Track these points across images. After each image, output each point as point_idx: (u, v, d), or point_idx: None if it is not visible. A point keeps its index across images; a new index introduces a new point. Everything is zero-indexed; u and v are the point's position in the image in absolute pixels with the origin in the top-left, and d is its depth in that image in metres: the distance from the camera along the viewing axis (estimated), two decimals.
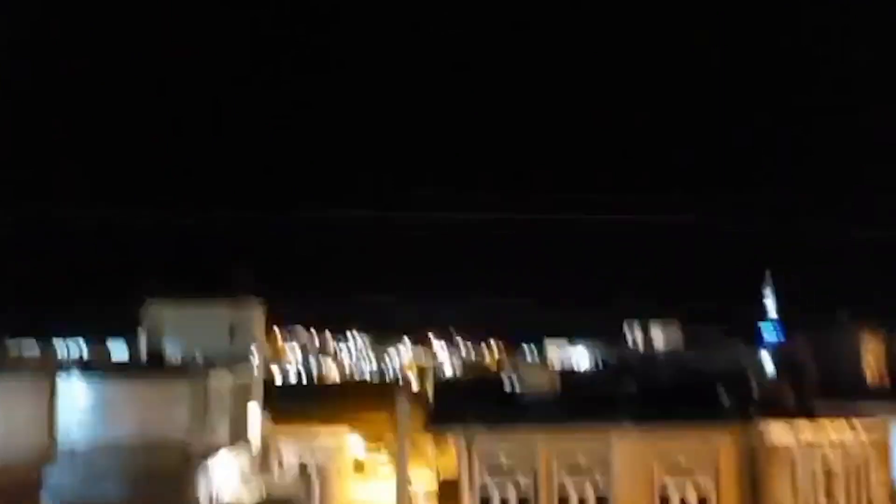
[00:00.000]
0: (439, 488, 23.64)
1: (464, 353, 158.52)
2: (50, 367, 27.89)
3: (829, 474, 17.98)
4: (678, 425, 18.49)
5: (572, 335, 72.55)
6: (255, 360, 38.29)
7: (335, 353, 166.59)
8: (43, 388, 26.39)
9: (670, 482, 18.27)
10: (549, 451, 18.31)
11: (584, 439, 18.38)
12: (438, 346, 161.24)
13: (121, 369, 32.01)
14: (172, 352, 35.19)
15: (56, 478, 25.06)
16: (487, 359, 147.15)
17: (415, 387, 74.29)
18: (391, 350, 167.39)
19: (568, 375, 28.65)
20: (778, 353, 33.88)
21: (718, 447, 18.34)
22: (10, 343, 47.34)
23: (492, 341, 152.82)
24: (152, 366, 33.24)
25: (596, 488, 18.31)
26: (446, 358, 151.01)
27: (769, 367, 37.26)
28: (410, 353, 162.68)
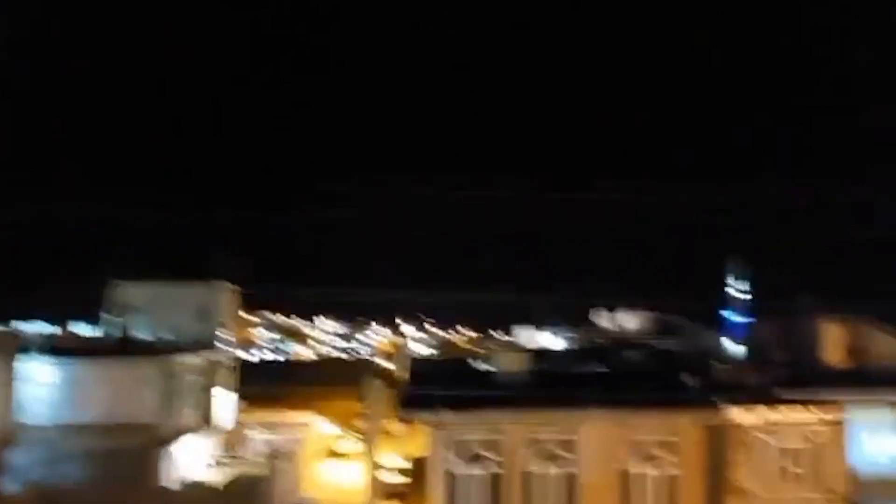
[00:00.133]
0: (409, 466, 23.83)
1: (434, 338, 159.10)
2: (10, 348, 27.41)
3: (788, 454, 18.44)
4: (644, 408, 18.79)
5: (541, 322, 73.09)
6: (225, 342, 38.00)
7: (306, 337, 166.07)
8: (3, 368, 25.99)
9: (636, 463, 18.59)
10: (518, 432, 18.50)
11: (552, 421, 18.61)
12: (409, 331, 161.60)
13: (86, 350, 31.56)
14: (139, 334, 34.81)
15: (19, 459, 24.76)
16: (458, 342, 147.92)
17: (385, 366, 74.35)
18: (361, 336, 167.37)
19: (537, 356, 28.92)
20: (741, 339, 34.53)
21: (682, 429, 18.71)
22: None
23: (461, 328, 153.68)
24: (118, 346, 32.86)
25: (563, 467, 18.55)
26: (417, 342, 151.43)
27: (732, 352, 38.01)
28: (381, 337, 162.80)
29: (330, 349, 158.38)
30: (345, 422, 48.11)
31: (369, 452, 13.94)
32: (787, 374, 24.64)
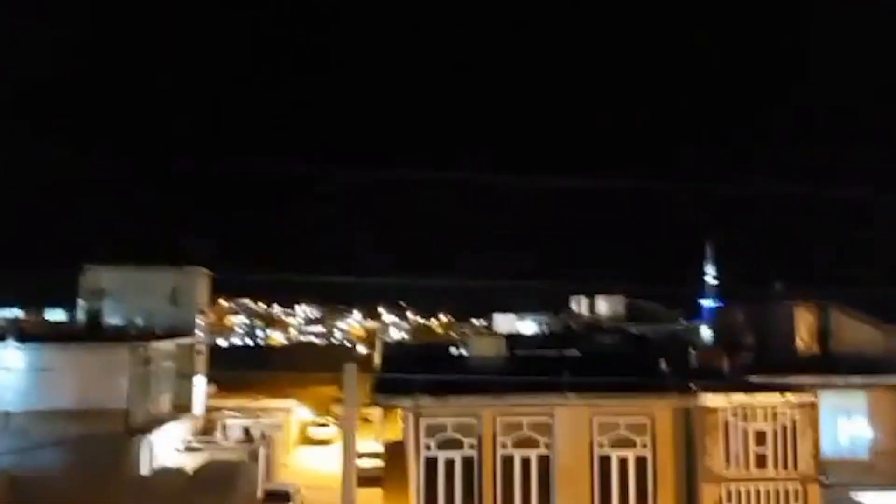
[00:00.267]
0: (385, 451, 23.85)
1: (412, 324, 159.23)
2: None
3: (759, 437, 18.74)
4: (618, 392, 18.98)
5: (520, 310, 73.41)
6: (199, 327, 37.71)
7: (283, 324, 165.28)
8: None
9: (610, 446, 18.78)
10: (494, 415, 18.60)
11: (528, 405, 18.73)
12: (388, 318, 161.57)
13: (57, 335, 31.15)
14: (112, 319, 34.44)
15: None
16: (436, 328, 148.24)
17: (363, 350, 74.27)
18: (339, 322, 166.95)
19: (512, 341, 29.07)
20: (715, 325, 34.96)
21: (656, 413, 18.92)
22: None
23: (441, 315, 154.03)
24: (91, 332, 32.47)
25: (538, 451, 18.70)
26: (395, 327, 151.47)
27: (707, 338, 38.51)
28: (359, 323, 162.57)
29: (307, 335, 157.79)
30: (322, 407, 48.18)
31: (346, 437, 13.89)
32: (759, 358, 25.03)
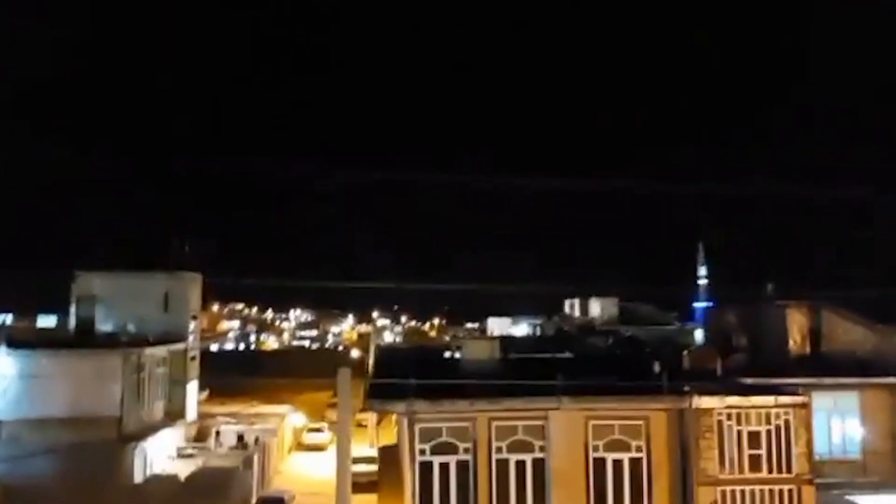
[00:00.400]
0: (380, 456, 23.75)
1: (406, 328, 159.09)
2: None
3: (753, 438, 18.77)
4: (612, 396, 18.98)
5: (514, 313, 73.53)
6: (191, 332, 37.57)
7: (276, 328, 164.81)
8: None
9: (604, 449, 18.78)
10: (488, 419, 18.57)
11: (522, 409, 18.71)
12: (382, 322, 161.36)
13: (49, 342, 30.97)
14: (105, 324, 34.25)
15: None
16: (429, 332, 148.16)
17: (356, 355, 74.11)
18: (333, 327, 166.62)
19: (506, 344, 29.07)
20: (708, 326, 35.07)
21: (650, 415, 18.92)
22: None
23: (435, 319, 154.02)
24: (83, 339, 32.29)
25: (533, 454, 18.68)
26: (389, 331, 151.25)
27: (700, 339, 38.61)
28: (352, 326, 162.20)
29: (301, 340, 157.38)
30: (316, 413, 48.05)
31: (341, 443, 13.83)
32: (752, 360, 25.12)
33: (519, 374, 21.55)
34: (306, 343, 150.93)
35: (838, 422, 23.13)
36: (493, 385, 19.41)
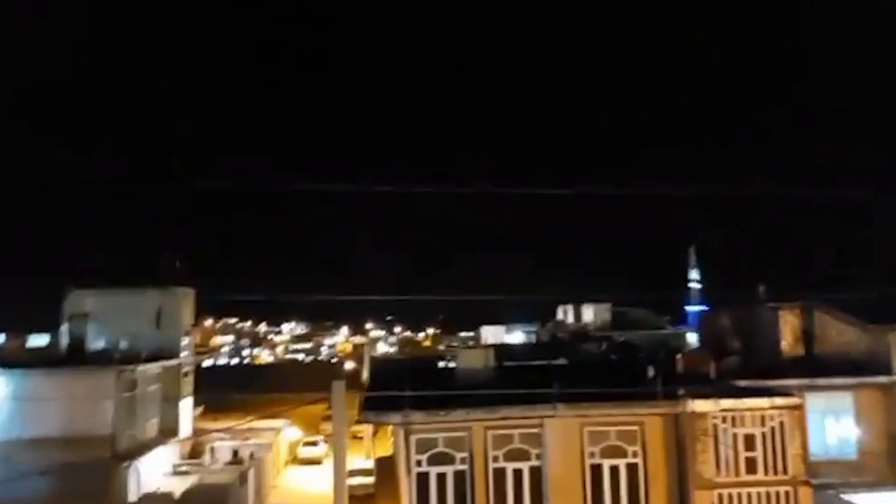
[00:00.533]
0: (376, 467, 23.71)
1: (400, 338, 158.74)
2: None
3: (748, 440, 18.81)
4: (607, 401, 19.00)
5: (508, 322, 73.54)
6: (185, 348, 37.38)
7: (269, 342, 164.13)
8: None
9: (601, 455, 18.78)
10: (484, 429, 18.56)
11: (518, 417, 18.70)
12: (375, 333, 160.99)
13: (42, 361, 30.75)
14: (97, 342, 34.03)
15: None
16: (424, 342, 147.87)
17: (350, 367, 73.85)
18: (326, 339, 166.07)
19: (500, 352, 29.06)
20: (701, 329, 35.16)
21: (645, 420, 18.95)
22: None
23: (429, 329, 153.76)
24: (75, 357, 32.07)
25: (530, 463, 18.66)
26: (383, 342, 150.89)
27: (693, 342, 38.72)
28: (346, 338, 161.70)
29: (294, 353, 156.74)
30: (311, 426, 47.83)
31: (337, 456, 13.75)
32: (745, 362, 25.20)
33: (514, 383, 21.55)
34: (300, 356, 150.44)
35: (833, 423, 23.20)
36: (489, 394, 19.39)
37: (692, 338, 41.17)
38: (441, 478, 18.46)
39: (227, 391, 46.17)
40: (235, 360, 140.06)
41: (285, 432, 44.61)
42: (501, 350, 32.52)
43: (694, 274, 76.89)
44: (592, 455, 18.86)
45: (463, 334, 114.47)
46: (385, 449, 31.99)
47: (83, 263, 36.37)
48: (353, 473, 29.05)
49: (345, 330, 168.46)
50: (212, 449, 36.93)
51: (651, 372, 20.64)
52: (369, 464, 33.67)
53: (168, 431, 33.84)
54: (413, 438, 18.48)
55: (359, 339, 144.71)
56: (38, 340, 44.20)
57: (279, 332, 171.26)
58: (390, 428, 19.94)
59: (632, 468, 18.92)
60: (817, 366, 24.31)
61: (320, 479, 35.47)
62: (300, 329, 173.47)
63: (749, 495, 18.61)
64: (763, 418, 18.97)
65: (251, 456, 35.31)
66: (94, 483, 25.38)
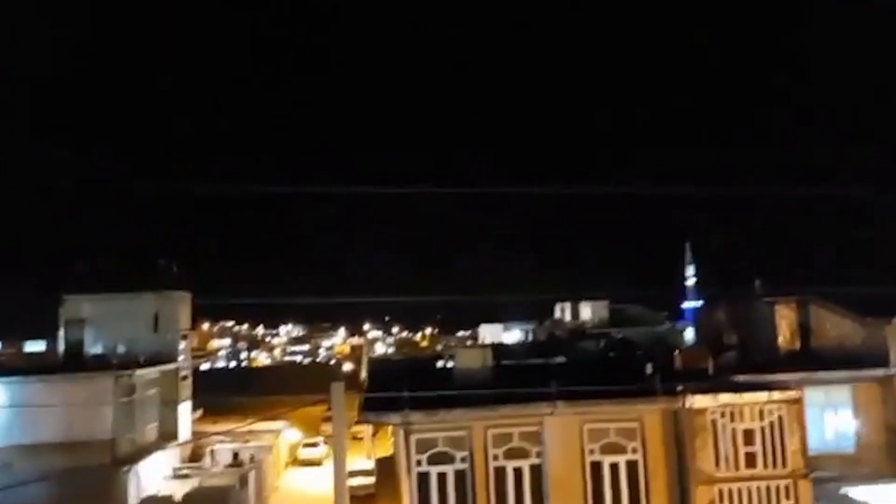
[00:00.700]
0: (377, 468, 23.74)
1: (398, 338, 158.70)
2: None
3: (747, 435, 18.87)
4: (606, 398, 19.04)
5: (506, 320, 73.61)
6: (182, 351, 37.35)
7: (267, 344, 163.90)
8: None
9: (600, 452, 18.82)
10: (484, 428, 18.58)
11: (517, 415, 18.73)
12: (373, 333, 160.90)
13: (39, 368, 30.70)
14: (94, 347, 33.99)
15: None
16: (422, 341, 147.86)
17: (349, 368, 73.86)
18: (324, 341, 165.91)
19: (499, 350, 29.10)
20: (698, 325, 35.23)
21: (644, 417, 18.99)
22: None
23: (427, 329, 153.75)
24: (73, 363, 32.02)
25: (530, 461, 18.69)
26: (381, 343, 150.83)
27: (691, 338, 38.79)
28: (344, 339, 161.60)
29: (292, 355, 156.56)
30: (311, 427, 47.81)
31: (337, 457, 13.77)
32: (743, 357, 25.25)
33: (512, 381, 21.58)
34: (298, 358, 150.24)
35: (831, 416, 23.27)
36: (488, 393, 19.42)
37: (689, 334, 41.24)
38: (441, 477, 18.49)
39: (226, 394, 46.07)
40: (234, 364, 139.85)
41: (285, 434, 44.59)
42: (500, 349, 32.54)
43: (690, 270, 77.05)
44: (592, 452, 18.90)
45: (461, 334, 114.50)
46: (385, 449, 32.03)
47: (79, 268, 36.23)
48: (353, 474, 29.08)
49: (342, 331, 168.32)
50: (212, 452, 36.91)
51: (649, 368, 20.68)
52: (370, 464, 33.67)
53: (167, 435, 33.80)
54: (413, 438, 18.50)
55: (357, 341, 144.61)
56: (34, 346, 44.11)
57: (276, 335, 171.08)
58: (390, 428, 19.96)
59: (632, 465, 18.96)
60: (815, 360, 24.38)
61: (321, 481, 35.47)
62: (297, 331, 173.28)
63: (749, 490, 18.67)
64: (762, 413, 19.03)
65: (251, 458, 35.31)
66: (94, 488, 25.33)
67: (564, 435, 18.80)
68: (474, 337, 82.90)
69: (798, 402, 19.27)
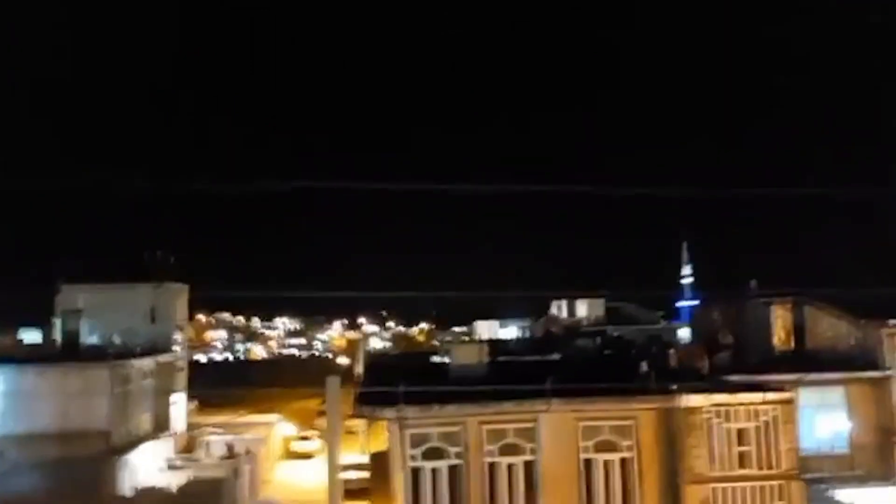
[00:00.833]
0: (370, 462, 23.74)
1: (394, 333, 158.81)
2: None
3: (740, 436, 18.94)
4: (601, 395, 19.10)
5: (502, 316, 73.63)
6: (178, 343, 37.35)
7: (263, 337, 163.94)
8: None
9: (594, 450, 18.89)
10: (478, 423, 18.64)
11: (512, 412, 18.79)
12: (369, 327, 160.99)
13: (35, 357, 30.70)
14: (90, 337, 34.00)
15: None
16: (417, 337, 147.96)
17: (344, 363, 73.95)
18: (321, 333, 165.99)
19: (495, 346, 29.16)
20: (693, 325, 35.34)
21: (638, 415, 19.06)
22: None
23: (422, 323, 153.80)
24: (68, 353, 32.03)
25: (524, 458, 18.75)
26: (377, 337, 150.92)
27: (686, 337, 38.89)
28: (340, 333, 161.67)
29: (288, 348, 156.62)
30: (305, 421, 47.89)
31: (330, 450, 13.82)
32: (737, 357, 25.35)
33: (508, 378, 21.63)
34: (294, 351, 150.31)
35: (824, 417, 23.37)
36: (483, 389, 19.47)
37: (685, 333, 41.35)
38: (435, 472, 18.54)
39: (221, 386, 46.13)
40: (230, 356, 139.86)
41: (279, 427, 44.66)
42: (495, 345, 32.59)
43: (686, 270, 77.19)
44: (586, 450, 18.96)
45: (456, 329, 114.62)
46: (379, 444, 32.06)
47: (76, 259, 36.25)
48: (347, 468, 29.12)
49: (338, 325, 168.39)
50: (206, 443, 36.95)
51: (644, 367, 20.75)
52: (364, 458, 33.70)
53: (162, 426, 33.84)
54: (407, 433, 18.54)
55: (352, 335, 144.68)
56: (30, 336, 44.05)
57: (273, 328, 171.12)
58: (384, 422, 19.98)
59: (625, 463, 19.03)
60: (809, 360, 24.48)
61: (314, 474, 35.53)
62: (294, 324, 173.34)
63: (742, 490, 18.75)
64: (755, 413, 19.10)
65: (245, 451, 35.35)
66: (89, 478, 25.36)
67: (559, 432, 18.86)
68: (470, 332, 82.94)
69: (792, 402, 19.35)
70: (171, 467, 32.30)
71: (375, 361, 36.66)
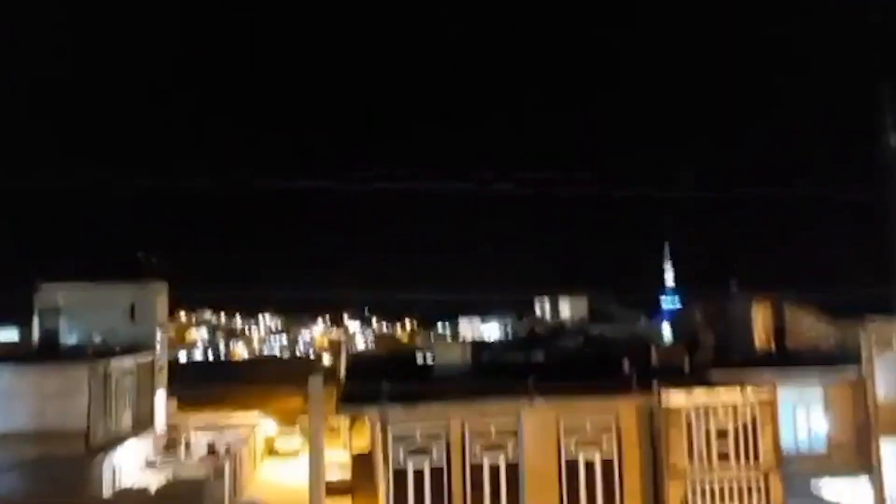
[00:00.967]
0: (354, 461, 23.71)
1: (377, 331, 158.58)
2: None
3: (721, 433, 19.10)
4: (583, 394, 19.19)
5: (485, 313, 73.83)
6: (159, 342, 37.05)
7: (245, 335, 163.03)
8: None
9: (576, 447, 18.97)
10: (461, 422, 18.65)
11: (495, 411, 18.82)
12: (353, 325, 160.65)
13: (13, 356, 30.31)
14: (69, 337, 33.64)
15: None
16: (401, 335, 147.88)
17: (327, 361, 73.85)
18: (304, 331, 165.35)
19: (478, 346, 29.18)
20: (675, 322, 35.58)
21: (620, 413, 19.17)
22: None
23: (406, 320, 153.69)
24: (47, 351, 31.67)
25: (506, 456, 18.80)
26: (360, 336, 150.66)
27: (667, 336, 39.15)
28: (323, 332, 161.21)
29: (271, 347, 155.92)
30: (288, 419, 47.68)
31: (313, 449, 13.75)
32: (718, 355, 25.54)
33: (491, 377, 21.68)
34: (276, 350, 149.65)
35: (804, 415, 23.57)
36: (466, 387, 19.50)
37: (666, 332, 41.63)
38: (418, 471, 18.54)
39: (203, 385, 45.84)
40: (211, 355, 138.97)
41: (261, 426, 44.43)
42: (479, 346, 32.64)
43: (668, 269, 77.80)
44: (568, 447, 19.05)
45: (440, 327, 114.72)
46: (362, 441, 32.02)
47: (56, 258, 35.86)
48: (330, 466, 29.04)
49: (321, 323, 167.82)
50: (187, 442, 36.67)
51: (626, 365, 20.87)
52: (346, 456, 33.61)
53: (143, 425, 33.55)
54: (390, 431, 18.53)
55: (336, 333, 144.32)
56: (6, 335, 43.50)
57: (255, 325, 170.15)
58: (368, 421, 19.97)
59: (607, 459, 19.14)
60: (788, 359, 24.69)
61: (297, 473, 35.38)
62: (276, 323, 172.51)
63: (722, 486, 18.92)
64: (735, 410, 19.28)
65: (227, 449, 35.12)
66: (69, 478, 25.11)
67: (541, 430, 18.93)
68: (454, 330, 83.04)
69: (771, 400, 19.54)
70: (152, 466, 32.04)
71: (359, 360, 36.57)
